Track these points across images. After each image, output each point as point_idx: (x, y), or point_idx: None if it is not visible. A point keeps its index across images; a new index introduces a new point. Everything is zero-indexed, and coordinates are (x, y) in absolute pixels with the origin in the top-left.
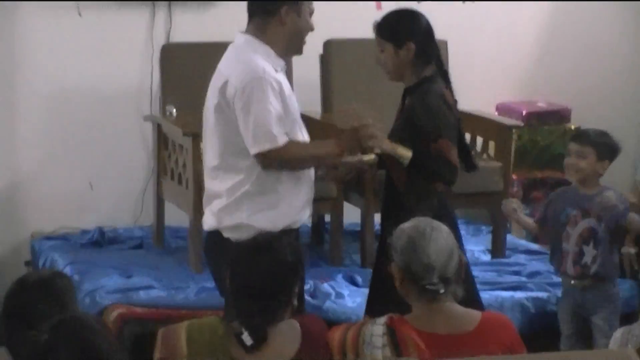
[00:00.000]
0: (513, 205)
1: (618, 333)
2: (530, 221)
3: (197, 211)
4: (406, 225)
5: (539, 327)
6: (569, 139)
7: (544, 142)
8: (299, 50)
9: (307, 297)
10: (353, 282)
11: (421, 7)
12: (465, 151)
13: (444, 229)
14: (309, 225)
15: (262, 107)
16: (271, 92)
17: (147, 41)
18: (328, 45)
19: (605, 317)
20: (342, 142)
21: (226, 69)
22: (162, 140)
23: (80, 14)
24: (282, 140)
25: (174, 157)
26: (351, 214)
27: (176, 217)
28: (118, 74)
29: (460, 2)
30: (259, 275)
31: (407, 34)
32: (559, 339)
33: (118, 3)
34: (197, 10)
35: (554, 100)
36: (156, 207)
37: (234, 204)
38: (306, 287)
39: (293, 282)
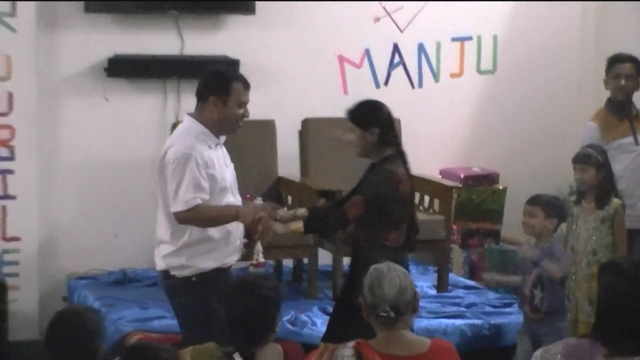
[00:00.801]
0: (494, 277)
1: (538, 352)
2: (513, 278)
3: None
4: (372, 267)
5: (475, 349)
6: (525, 202)
7: (478, 199)
8: (231, 132)
9: (288, 325)
10: (325, 312)
11: (382, 94)
12: (414, 230)
13: (400, 270)
14: (290, 266)
15: (181, 177)
16: (194, 166)
17: (160, 119)
18: (305, 122)
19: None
20: (242, 218)
21: (169, 141)
22: None
23: (107, 99)
24: (192, 203)
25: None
26: (324, 258)
27: None
28: (137, 146)
29: (411, 88)
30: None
31: (372, 121)
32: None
33: (133, 85)
34: None
35: (485, 166)
36: None
37: (176, 250)
38: (288, 317)
39: (275, 313)
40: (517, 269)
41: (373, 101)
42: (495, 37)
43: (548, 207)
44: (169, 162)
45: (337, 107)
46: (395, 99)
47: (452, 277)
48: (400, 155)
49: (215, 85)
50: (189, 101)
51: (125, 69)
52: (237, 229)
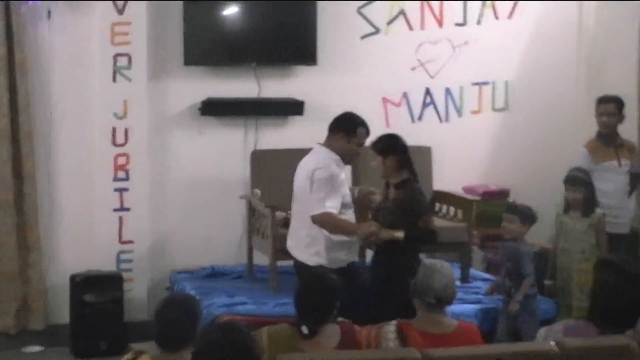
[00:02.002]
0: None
1: (542, 331)
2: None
3: (274, 255)
4: (427, 260)
5: (491, 327)
6: (504, 211)
7: (493, 210)
8: (348, 163)
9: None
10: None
11: (416, 127)
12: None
13: (446, 266)
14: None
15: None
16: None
17: (242, 148)
18: None
19: (527, 324)
20: (360, 232)
21: (313, 164)
22: (252, 210)
23: (200, 132)
24: (326, 209)
25: (259, 221)
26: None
27: (261, 259)
28: (224, 168)
29: (439, 122)
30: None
31: (388, 150)
32: None
33: (221, 122)
34: (276, 127)
35: (499, 184)
36: (248, 252)
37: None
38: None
39: (336, 300)
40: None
41: (391, 134)
42: (506, 82)
43: (523, 215)
44: (315, 179)
45: None
46: (427, 131)
47: (472, 271)
48: (414, 177)
49: (346, 125)
50: (265, 134)
51: (215, 109)
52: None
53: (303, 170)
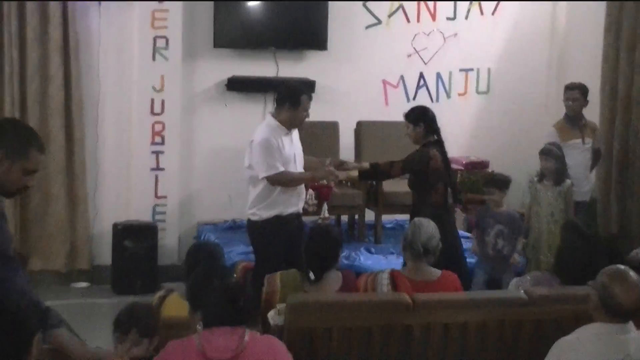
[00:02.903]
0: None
1: (513, 281)
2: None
3: None
4: (415, 218)
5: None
6: (483, 183)
7: (474, 178)
8: (297, 127)
9: (344, 260)
10: (369, 252)
11: (410, 106)
12: (454, 193)
13: (432, 224)
14: (346, 220)
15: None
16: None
17: (261, 119)
18: (359, 124)
19: (507, 276)
20: (318, 177)
21: (254, 133)
22: None
23: (226, 105)
24: (279, 169)
25: None
26: (369, 215)
27: None
28: (245, 136)
29: (430, 102)
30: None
31: (420, 118)
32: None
33: (244, 97)
34: None
35: (480, 155)
36: None
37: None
38: (344, 254)
39: (338, 250)
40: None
41: (420, 106)
42: (489, 69)
43: (499, 184)
44: (257, 143)
45: (381, 113)
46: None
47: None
48: (439, 143)
49: (290, 95)
50: None
51: (238, 85)
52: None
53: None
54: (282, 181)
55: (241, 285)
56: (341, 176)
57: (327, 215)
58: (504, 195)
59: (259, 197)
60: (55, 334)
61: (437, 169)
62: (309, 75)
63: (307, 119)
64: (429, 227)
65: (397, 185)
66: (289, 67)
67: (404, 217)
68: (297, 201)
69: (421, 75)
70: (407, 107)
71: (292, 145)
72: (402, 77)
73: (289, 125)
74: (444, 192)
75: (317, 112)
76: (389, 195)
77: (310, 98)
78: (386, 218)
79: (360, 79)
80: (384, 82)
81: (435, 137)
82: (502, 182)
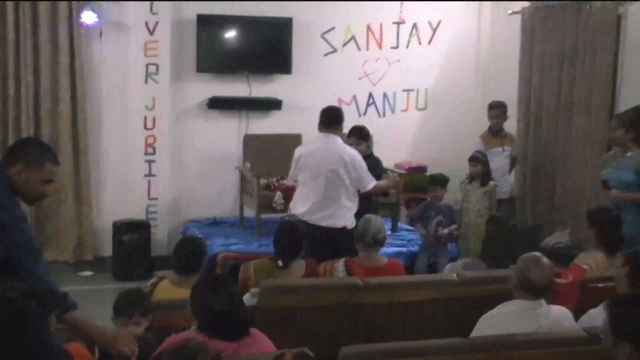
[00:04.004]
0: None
1: (448, 266)
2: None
3: (259, 210)
4: (365, 215)
5: (410, 264)
6: (428, 182)
7: (415, 180)
8: None
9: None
10: None
11: (362, 120)
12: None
13: (379, 219)
14: None
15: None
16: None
17: (237, 133)
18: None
19: (443, 260)
20: (390, 184)
21: (343, 153)
22: (243, 178)
23: (206, 121)
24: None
25: (248, 186)
26: None
27: (249, 212)
28: (224, 147)
29: (378, 117)
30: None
31: (368, 136)
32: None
33: (222, 114)
34: (261, 118)
35: (419, 161)
36: (240, 207)
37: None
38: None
39: (303, 241)
40: (429, 205)
41: (360, 125)
42: (426, 89)
43: (442, 182)
44: (357, 161)
45: None
46: (370, 123)
47: (400, 224)
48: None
49: (339, 118)
50: (253, 123)
51: (218, 104)
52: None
53: (331, 154)
54: (377, 189)
55: (241, 301)
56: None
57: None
58: (444, 192)
59: (353, 208)
60: (72, 315)
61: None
62: (277, 94)
63: (276, 133)
64: (377, 222)
65: None
66: (260, 88)
67: None
68: None
69: (370, 95)
70: (359, 122)
71: None
72: (354, 96)
73: None
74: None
75: (284, 125)
76: None
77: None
78: None
79: (319, 97)
80: (340, 100)
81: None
82: (443, 181)
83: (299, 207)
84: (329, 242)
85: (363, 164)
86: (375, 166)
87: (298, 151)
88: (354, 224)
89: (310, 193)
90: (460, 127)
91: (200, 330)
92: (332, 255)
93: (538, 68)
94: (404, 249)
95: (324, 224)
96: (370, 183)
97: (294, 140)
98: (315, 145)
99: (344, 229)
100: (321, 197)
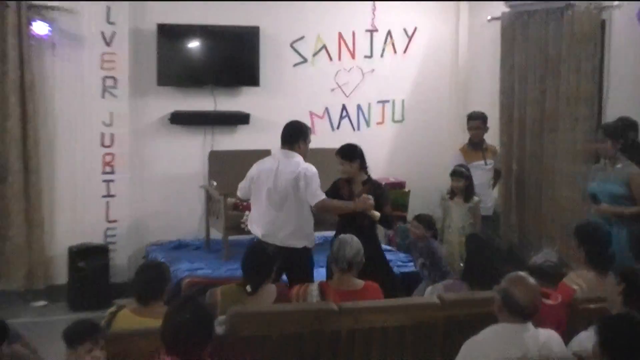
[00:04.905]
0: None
1: (428, 289)
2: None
3: (226, 232)
4: (340, 236)
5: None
6: (412, 219)
7: (393, 197)
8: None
9: None
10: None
11: (335, 134)
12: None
13: (355, 240)
14: None
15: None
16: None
17: (201, 150)
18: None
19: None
20: (359, 206)
21: (296, 167)
22: (209, 197)
23: (169, 137)
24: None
25: (214, 206)
26: None
27: (215, 234)
28: (189, 165)
29: (352, 130)
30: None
31: (354, 156)
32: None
33: (186, 129)
34: (227, 133)
35: (397, 176)
36: (206, 229)
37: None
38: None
39: (273, 265)
40: (411, 245)
41: (351, 144)
42: (403, 100)
43: (428, 224)
44: (310, 173)
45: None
46: (344, 137)
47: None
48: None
49: (302, 133)
50: (219, 138)
51: (181, 119)
52: None
53: (285, 172)
54: (329, 207)
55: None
56: (372, 213)
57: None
58: (429, 232)
59: (312, 226)
60: (13, 348)
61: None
62: (244, 108)
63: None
64: (353, 244)
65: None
66: (226, 102)
67: (330, 233)
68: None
69: (344, 107)
70: (332, 136)
71: None
72: (327, 109)
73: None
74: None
75: (252, 140)
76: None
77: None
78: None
79: (289, 110)
80: (311, 114)
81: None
82: (430, 223)
83: (256, 228)
84: (294, 264)
85: (315, 178)
86: (377, 194)
87: (254, 167)
88: (305, 245)
89: (264, 213)
90: (439, 140)
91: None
92: (299, 278)
93: (520, 76)
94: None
95: (284, 244)
96: (316, 198)
97: (263, 156)
98: (269, 162)
99: (305, 249)
100: (274, 217)
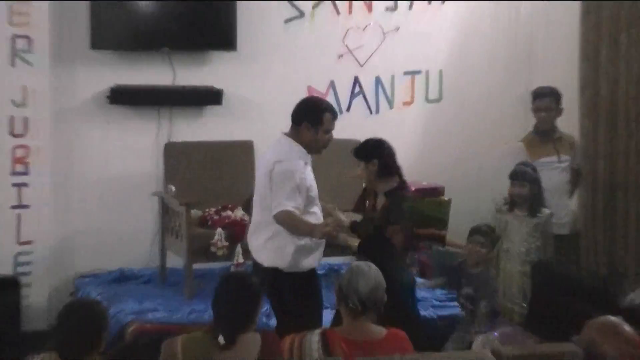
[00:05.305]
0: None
1: (479, 339)
2: (438, 280)
3: (189, 257)
4: (353, 263)
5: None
6: (472, 232)
7: (425, 209)
8: (316, 152)
9: (263, 318)
10: None
11: (344, 119)
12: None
13: (374, 269)
14: None
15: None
16: (297, 180)
17: (155, 141)
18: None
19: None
20: (316, 233)
21: (275, 156)
22: (165, 208)
23: (108, 123)
24: (286, 207)
25: (174, 220)
26: None
27: (175, 261)
28: (136, 163)
29: (369, 114)
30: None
31: (372, 154)
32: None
33: (132, 112)
34: (192, 117)
35: (432, 180)
36: (161, 254)
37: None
38: (263, 309)
39: (255, 305)
40: (458, 270)
41: (373, 138)
42: (440, 72)
43: (492, 240)
44: (276, 174)
45: None
46: (356, 123)
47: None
48: (404, 186)
49: (309, 113)
50: (180, 125)
51: (124, 97)
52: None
53: (263, 162)
54: (286, 223)
55: None
56: (339, 241)
57: (241, 259)
58: (491, 253)
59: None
60: None
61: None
62: (215, 82)
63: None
64: (371, 274)
65: None
66: (189, 73)
67: (339, 259)
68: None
69: (356, 81)
70: (339, 122)
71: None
72: (332, 83)
73: (308, 150)
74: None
75: (226, 129)
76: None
77: (335, 116)
78: None
79: (279, 86)
80: (310, 90)
81: (397, 178)
82: (492, 238)
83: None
84: (272, 295)
85: (287, 181)
86: (392, 208)
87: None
88: (277, 265)
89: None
90: (492, 127)
91: None
92: (282, 319)
93: (610, 37)
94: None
95: (255, 259)
96: (278, 207)
97: (242, 150)
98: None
99: (276, 272)
100: (253, 220)
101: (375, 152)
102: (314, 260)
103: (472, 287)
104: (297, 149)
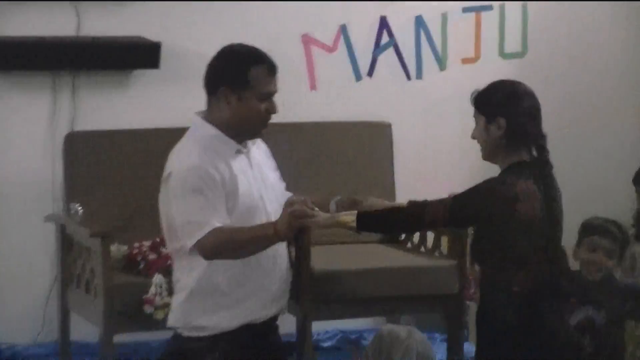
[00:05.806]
0: None
1: None
2: None
3: (108, 323)
4: (385, 328)
5: None
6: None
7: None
8: (252, 135)
9: None
10: None
11: (364, 88)
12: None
13: (418, 337)
14: None
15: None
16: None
17: (48, 128)
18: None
19: None
20: (283, 227)
21: (173, 155)
22: (66, 243)
23: None
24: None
25: (81, 262)
26: (290, 326)
27: (84, 330)
28: (14, 169)
29: (405, 79)
30: None
31: (499, 109)
32: None
33: (12, 80)
34: (109, 89)
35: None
36: (61, 320)
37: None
38: None
39: None
40: None
41: (507, 82)
42: (524, 6)
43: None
44: (174, 189)
45: (302, 107)
46: (383, 94)
47: (469, 347)
48: (543, 165)
49: (227, 72)
50: (89, 101)
51: (6, 56)
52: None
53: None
54: (221, 246)
55: None
56: (322, 223)
57: None
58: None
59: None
60: None
61: (529, 224)
62: (146, 32)
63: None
64: (411, 344)
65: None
66: (102, 19)
67: (357, 323)
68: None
69: (383, 24)
70: (357, 91)
71: (253, 173)
72: (342, 29)
73: (235, 133)
74: (542, 268)
75: (166, 107)
76: (326, 277)
77: (272, 71)
78: (323, 326)
79: (256, 36)
80: (307, 41)
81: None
82: (606, 232)
83: None
84: None
85: (188, 194)
86: (486, 196)
87: None
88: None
89: None
90: (603, 101)
91: None
92: None
93: None
94: None
95: None
96: (189, 237)
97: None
98: None
99: (176, 338)
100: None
101: (505, 106)
102: (241, 314)
103: (595, 307)
104: (209, 137)
